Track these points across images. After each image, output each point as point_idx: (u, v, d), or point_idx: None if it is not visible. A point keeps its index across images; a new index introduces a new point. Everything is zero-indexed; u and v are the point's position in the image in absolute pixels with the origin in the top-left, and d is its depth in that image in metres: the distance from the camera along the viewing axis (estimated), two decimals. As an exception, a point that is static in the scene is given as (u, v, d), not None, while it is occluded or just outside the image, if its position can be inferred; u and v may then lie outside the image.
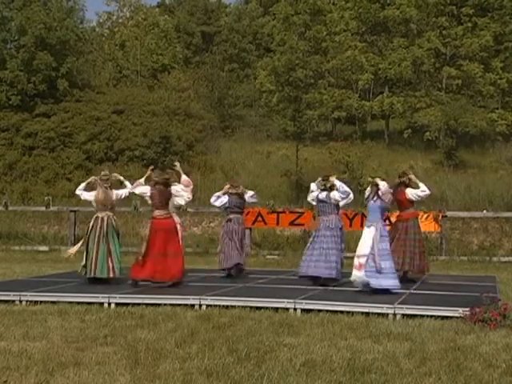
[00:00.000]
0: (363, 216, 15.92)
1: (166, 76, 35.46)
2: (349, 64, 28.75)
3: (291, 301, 9.24)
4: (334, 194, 11.19)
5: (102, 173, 11.84)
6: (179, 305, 9.44)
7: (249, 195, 12.89)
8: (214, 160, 27.54)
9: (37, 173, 26.09)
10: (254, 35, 41.14)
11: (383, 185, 10.72)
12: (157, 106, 28.62)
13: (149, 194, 11.26)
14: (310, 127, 29.56)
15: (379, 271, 10.16)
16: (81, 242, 11.71)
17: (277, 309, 9.14)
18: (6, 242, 20.03)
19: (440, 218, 18.06)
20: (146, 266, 10.79)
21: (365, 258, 10.34)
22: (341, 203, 11.46)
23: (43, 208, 20.61)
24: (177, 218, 12.32)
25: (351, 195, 11.38)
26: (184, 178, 12.05)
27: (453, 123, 26.41)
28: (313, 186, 11.65)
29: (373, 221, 10.69)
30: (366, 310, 8.92)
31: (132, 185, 11.73)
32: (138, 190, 11.52)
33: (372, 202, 10.84)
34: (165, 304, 9.45)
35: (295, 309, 9.14)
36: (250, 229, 18.47)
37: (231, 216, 12.67)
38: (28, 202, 24.21)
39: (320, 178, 11.53)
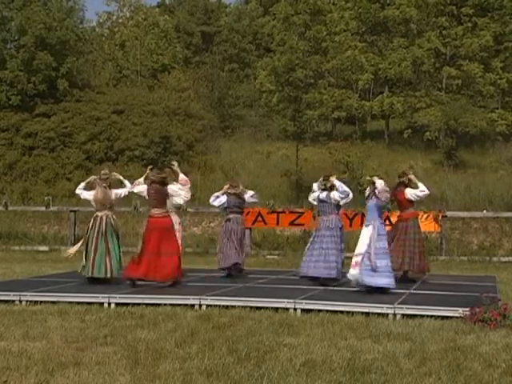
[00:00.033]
0: (363, 216, 15.90)
1: (166, 76, 35.46)
2: (349, 64, 28.75)
3: (291, 301, 9.24)
4: (334, 194, 11.21)
5: (102, 172, 11.86)
6: (179, 305, 9.43)
7: (249, 195, 12.89)
8: (214, 160, 27.55)
9: (37, 173, 26.10)
10: (254, 35, 41.15)
11: (380, 183, 10.69)
12: (157, 105, 28.63)
13: (146, 192, 11.28)
14: (310, 127, 29.56)
15: (374, 269, 10.15)
16: (81, 242, 11.71)
17: (277, 309, 9.14)
18: (6, 242, 20.04)
19: (440, 218, 18.06)
20: (140, 264, 10.78)
21: (361, 257, 10.35)
22: (341, 203, 11.46)
23: (43, 208, 20.61)
24: (176, 218, 12.32)
25: (350, 195, 11.38)
26: (182, 177, 12.05)
27: (453, 123, 26.41)
28: (315, 186, 11.68)
29: (371, 219, 10.70)
30: (366, 310, 8.92)
31: (132, 184, 11.74)
32: (136, 189, 11.54)
33: (370, 200, 10.85)
34: (165, 304, 9.44)
35: (295, 309, 9.14)
36: (250, 229, 18.47)
37: (230, 216, 12.68)
38: (28, 202, 24.21)
39: (321, 178, 11.55)
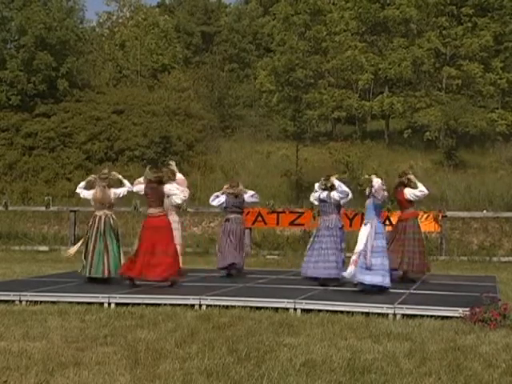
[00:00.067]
0: (363, 216, 15.87)
1: (166, 76, 35.47)
2: (349, 64, 28.76)
3: (291, 301, 9.24)
4: (334, 194, 11.22)
5: (102, 171, 11.89)
6: (179, 305, 9.43)
7: (249, 195, 12.89)
8: (214, 160, 27.55)
9: (37, 173, 26.10)
10: (254, 35, 41.15)
11: (376, 182, 10.67)
12: (157, 105, 28.64)
13: (143, 192, 11.31)
14: (310, 127, 29.56)
15: (369, 268, 10.16)
16: (80, 242, 11.73)
17: (277, 309, 9.14)
18: (6, 242, 20.04)
19: (440, 218, 18.06)
20: (135, 263, 10.79)
21: (358, 255, 10.36)
22: (340, 202, 11.46)
23: (43, 208, 20.61)
24: (175, 217, 12.33)
25: (350, 195, 11.39)
26: (179, 176, 12.05)
27: (453, 123, 26.42)
28: (316, 186, 11.69)
29: (368, 218, 10.71)
30: (366, 310, 8.92)
31: (131, 184, 11.76)
32: (136, 188, 11.56)
33: (368, 199, 10.86)
34: (165, 304, 9.44)
35: (295, 309, 9.14)
36: (250, 229, 18.47)
37: (229, 216, 12.70)
38: (28, 202, 24.22)
39: (322, 178, 11.56)
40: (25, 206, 22.90)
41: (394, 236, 12.02)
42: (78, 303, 9.54)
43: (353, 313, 8.87)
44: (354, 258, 10.51)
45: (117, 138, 26.93)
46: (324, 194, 11.34)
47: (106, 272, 11.16)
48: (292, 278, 12.41)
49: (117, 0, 42.74)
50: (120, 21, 42.45)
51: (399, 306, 8.99)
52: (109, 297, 9.67)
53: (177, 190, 11.28)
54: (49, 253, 18.61)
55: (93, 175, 12.08)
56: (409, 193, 11.99)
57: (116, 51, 38.02)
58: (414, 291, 10.66)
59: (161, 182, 11.13)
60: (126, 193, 11.78)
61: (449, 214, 18.57)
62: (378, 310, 8.88)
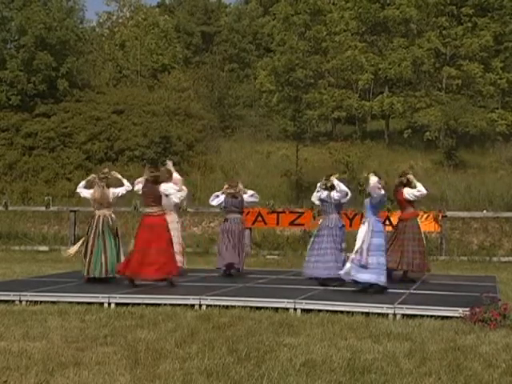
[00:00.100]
0: (363, 215, 15.91)
1: (166, 76, 35.48)
2: (349, 64, 28.77)
3: (291, 301, 9.24)
4: (334, 194, 11.23)
5: (102, 171, 11.92)
6: (179, 305, 9.43)
7: (248, 195, 12.89)
8: (214, 160, 27.55)
9: (37, 173, 26.11)
10: (254, 35, 41.17)
11: (372, 180, 10.65)
12: (157, 105, 28.64)
13: (141, 191, 11.34)
14: (310, 127, 29.57)
15: (364, 265, 10.15)
16: (81, 242, 11.74)
17: (277, 309, 9.14)
18: (6, 242, 20.04)
19: (440, 217, 18.06)
20: (131, 262, 10.80)
21: (357, 254, 10.36)
22: (341, 202, 11.47)
23: (43, 208, 20.61)
24: (174, 216, 12.36)
25: (349, 194, 11.40)
26: (175, 175, 12.05)
27: (453, 123, 26.43)
28: (318, 186, 11.70)
29: (366, 217, 10.72)
30: (366, 310, 8.91)
31: (130, 184, 11.79)
32: (136, 188, 11.60)
33: (366, 198, 10.87)
34: (165, 304, 9.44)
35: (295, 309, 9.14)
36: (250, 229, 18.47)
37: (228, 216, 12.72)
38: (28, 202, 24.22)
39: (324, 178, 11.57)
40: (25, 206, 22.90)
41: (394, 236, 12.03)
42: (78, 303, 9.54)
43: (353, 313, 8.87)
44: (351, 256, 10.52)
45: (117, 138, 26.93)
46: (324, 194, 11.36)
47: (104, 272, 11.18)
48: (292, 277, 12.41)
49: (117, 0, 42.79)
50: (120, 21, 42.46)
51: (399, 305, 8.99)
52: (109, 297, 9.67)
53: (172, 190, 11.28)
54: (49, 253, 18.61)
55: (93, 174, 12.11)
56: (407, 193, 12.00)
57: (116, 51, 38.02)
58: (414, 291, 10.66)
59: (157, 182, 11.15)
60: (124, 192, 11.79)
61: (449, 213, 18.57)
62: (378, 310, 8.88)
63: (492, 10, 29.57)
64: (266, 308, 9.17)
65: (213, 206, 13.51)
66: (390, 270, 11.68)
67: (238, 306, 9.23)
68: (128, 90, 31.42)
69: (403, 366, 6.41)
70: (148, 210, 11.16)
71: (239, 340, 7.36)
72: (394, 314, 8.79)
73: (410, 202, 12.11)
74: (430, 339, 7.49)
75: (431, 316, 8.65)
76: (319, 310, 9.01)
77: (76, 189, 12.15)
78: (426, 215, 17.41)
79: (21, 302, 9.78)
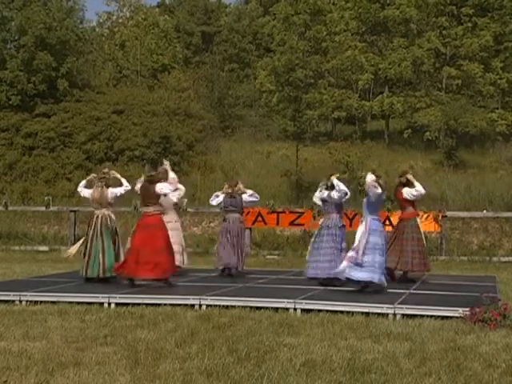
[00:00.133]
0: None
1: (166, 76, 35.48)
2: (349, 64, 28.77)
3: (291, 301, 9.24)
4: (333, 193, 11.23)
5: (102, 170, 11.96)
6: (179, 305, 9.43)
7: (247, 195, 12.88)
8: (214, 160, 27.55)
9: (37, 173, 26.10)
10: (254, 35, 41.16)
11: (368, 178, 10.63)
12: (157, 105, 28.64)
13: (139, 191, 11.35)
14: (310, 127, 29.57)
15: (360, 264, 10.15)
16: (81, 242, 11.76)
17: (277, 309, 9.14)
18: (6, 242, 20.03)
19: (440, 218, 18.05)
20: (127, 262, 10.81)
21: (352, 252, 10.37)
22: (341, 201, 11.47)
23: (43, 208, 20.60)
24: (173, 216, 12.38)
25: (348, 194, 11.41)
26: (170, 175, 12.07)
27: (453, 123, 26.43)
28: (320, 185, 11.71)
29: (364, 216, 10.73)
30: (366, 310, 8.91)
31: (129, 184, 11.83)
32: (136, 187, 11.63)
33: (364, 197, 10.88)
34: (165, 304, 9.44)
35: (295, 309, 9.13)
36: (250, 229, 18.46)
37: (227, 215, 12.76)
38: (28, 202, 24.22)
39: (325, 178, 11.58)
40: (25, 206, 22.89)
41: (393, 236, 12.03)
42: (78, 303, 9.54)
43: (353, 313, 8.87)
44: (347, 254, 10.52)
45: (117, 138, 26.93)
46: (325, 194, 11.38)
47: (102, 272, 11.20)
48: (292, 277, 12.42)
49: (117, 0, 42.79)
50: (120, 21, 42.47)
51: (399, 306, 8.98)
52: (109, 297, 9.67)
53: (167, 189, 11.28)
54: (49, 253, 18.61)
55: (93, 174, 12.16)
56: (406, 192, 12.00)
57: (116, 51, 38.02)
58: (414, 291, 10.66)
59: (153, 181, 11.16)
60: (123, 192, 11.81)
61: (449, 213, 18.57)
62: (378, 310, 8.87)
63: (492, 10, 29.57)
64: (266, 308, 9.17)
65: (213, 206, 13.55)
66: (390, 270, 11.71)
67: (238, 306, 9.23)
68: (128, 89, 31.42)
69: (403, 366, 6.41)
70: (145, 209, 11.19)
71: (239, 340, 7.36)
72: (394, 314, 8.79)
73: (409, 202, 12.10)
74: (430, 339, 7.49)
75: (431, 316, 8.65)
76: (319, 310, 9.01)
77: (76, 188, 12.19)
78: (425, 215, 17.40)
79: (21, 301, 9.78)
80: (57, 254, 17.67)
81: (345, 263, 10.32)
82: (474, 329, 7.98)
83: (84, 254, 11.32)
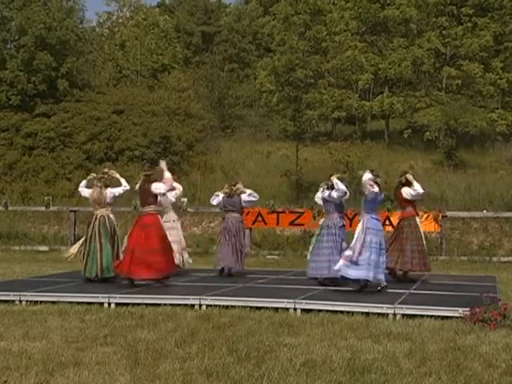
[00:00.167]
0: (362, 215, 15.91)
1: (166, 76, 35.48)
2: (349, 64, 28.77)
3: (291, 301, 9.24)
4: (333, 193, 11.24)
5: (103, 170, 11.98)
6: (179, 305, 9.43)
7: (246, 194, 12.88)
8: (214, 160, 27.55)
9: (37, 173, 26.10)
10: (254, 35, 41.16)
11: (365, 176, 10.62)
12: (157, 105, 28.64)
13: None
14: (310, 127, 29.56)
15: (355, 262, 10.15)
16: (81, 242, 11.77)
17: (277, 309, 9.14)
18: (6, 242, 20.04)
19: (440, 217, 18.05)
20: (124, 261, 10.81)
21: (349, 251, 10.37)
22: (342, 201, 11.48)
23: (43, 208, 20.61)
24: (172, 215, 12.38)
25: (347, 193, 11.41)
26: (166, 175, 12.08)
27: (453, 123, 26.42)
28: (321, 186, 11.71)
29: (362, 214, 10.73)
30: (366, 310, 8.92)
31: (129, 184, 11.85)
32: (136, 187, 11.64)
33: (363, 197, 10.89)
34: (165, 304, 9.44)
35: (295, 309, 9.14)
36: (250, 229, 18.47)
37: (226, 215, 12.83)
38: (28, 202, 24.22)
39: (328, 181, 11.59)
40: (25, 206, 22.90)
41: (393, 235, 12.05)
42: (78, 303, 9.55)
43: (353, 313, 8.87)
44: (344, 253, 10.53)
45: (117, 138, 26.93)
46: (325, 194, 11.39)
47: (99, 272, 11.21)
48: (292, 277, 12.42)
49: (117, 0, 42.78)
50: (120, 21, 42.46)
51: (399, 306, 8.99)
52: (109, 297, 9.67)
53: (162, 189, 11.29)
54: (49, 253, 18.61)
55: (93, 174, 12.19)
56: (405, 192, 12.01)
57: (116, 51, 38.02)
58: (414, 291, 10.66)
59: (149, 181, 11.17)
60: (122, 192, 11.82)
61: (449, 213, 18.57)
62: (378, 310, 8.88)
63: (492, 10, 29.57)
64: (266, 308, 9.17)
65: (213, 206, 13.61)
66: (391, 270, 11.72)
67: (238, 306, 9.23)
68: (128, 89, 31.42)
69: (403, 365, 6.42)
70: (142, 209, 11.23)
71: (239, 340, 7.36)
72: (394, 314, 8.79)
73: (409, 202, 12.11)
74: (430, 339, 7.49)
75: (431, 316, 8.65)
76: (319, 310, 9.01)
77: (76, 188, 12.22)
78: (426, 215, 17.40)
79: (21, 301, 9.79)
80: (57, 254, 17.67)
81: (341, 262, 10.32)
82: (474, 329, 7.98)
83: (83, 255, 11.36)
